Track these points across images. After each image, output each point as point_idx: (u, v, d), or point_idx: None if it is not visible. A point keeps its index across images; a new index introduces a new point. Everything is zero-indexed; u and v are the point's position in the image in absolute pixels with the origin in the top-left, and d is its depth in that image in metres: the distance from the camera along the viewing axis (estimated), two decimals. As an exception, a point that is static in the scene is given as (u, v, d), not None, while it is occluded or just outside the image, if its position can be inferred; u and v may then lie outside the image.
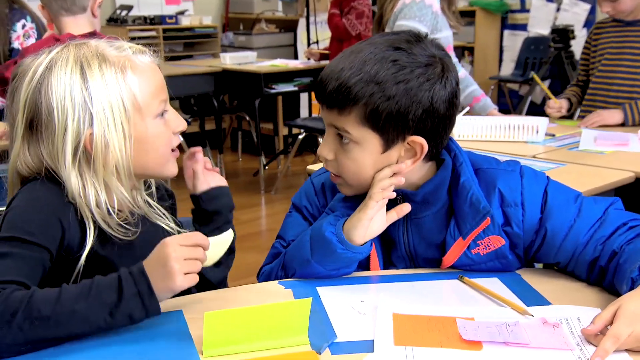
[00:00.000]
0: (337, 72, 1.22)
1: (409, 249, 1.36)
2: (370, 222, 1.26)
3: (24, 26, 3.34)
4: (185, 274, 1.07)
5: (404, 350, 1.04)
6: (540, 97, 6.66)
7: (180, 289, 1.08)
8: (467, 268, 1.32)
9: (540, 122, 2.52)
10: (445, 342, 1.06)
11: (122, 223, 1.20)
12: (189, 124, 5.32)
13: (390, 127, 1.22)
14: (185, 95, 5.34)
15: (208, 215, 1.37)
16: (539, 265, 1.41)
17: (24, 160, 1.19)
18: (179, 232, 1.30)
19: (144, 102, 1.19)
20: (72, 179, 1.16)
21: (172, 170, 1.27)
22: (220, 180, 1.39)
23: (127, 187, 1.20)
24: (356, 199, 1.31)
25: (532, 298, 1.22)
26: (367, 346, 1.06)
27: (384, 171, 1.26)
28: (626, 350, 1.02)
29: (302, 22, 6.40)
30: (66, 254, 1.16)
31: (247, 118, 5.69)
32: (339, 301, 1.22)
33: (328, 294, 1.25)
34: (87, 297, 1.03)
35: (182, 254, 1.08)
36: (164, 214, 1.31)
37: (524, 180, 1.32)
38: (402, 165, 1.26)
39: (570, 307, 1.16)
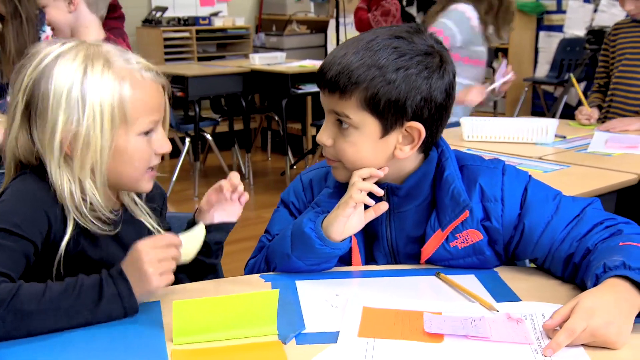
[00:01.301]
0: (340, 57, 1.26)
1: (391, 244, 1.38)
2: (348, 219, 1.29)
3: (52, 26, 3.44)
4: (161, 274, 1.12)
5: (365, 342, 1.06)
6: (576, 99, 6.54)
7: (157, 290, 1.13)
8: (445, 263, 1.35)
9: (550, 123, 2.50)
10: (408, 335, 1.08)
11: (95, 221, 1.22)
12: (218, 123, 5.42)
13: (390, 112, 1.25)
14: (215, 95, 5.42)
15: None
16: (532, 264, 1.42)
17: (19, 141, 1.22)
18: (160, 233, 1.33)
19: (132, 116, 1.21)
20: (54, 169, 1.19)
21: (146, 186, 1.29)
22: (229, 216, 1.39)
23: (101, 191, 1.22)
24: (341, 196, 1.34)
25: (504, 295, 1.23)
26: (333, 337, 1.08)
27: (362, 171, 1.29)
28: (582, 345, 1.03)
29: (332, 23, 6.43)
30: (51, 248, 1.20)
31: (276, 118, 5.75)
32: (314, 294, 1.25)
33: (305, 287, 1.28)
34: (71, 295, 1.07)
35: (155, 256, 1.12)
36: (148, 213, 1.35)
37: (505, 177, 1.34)
38: (380, 172, 1.29)
39: (537, 304, 1.17)
